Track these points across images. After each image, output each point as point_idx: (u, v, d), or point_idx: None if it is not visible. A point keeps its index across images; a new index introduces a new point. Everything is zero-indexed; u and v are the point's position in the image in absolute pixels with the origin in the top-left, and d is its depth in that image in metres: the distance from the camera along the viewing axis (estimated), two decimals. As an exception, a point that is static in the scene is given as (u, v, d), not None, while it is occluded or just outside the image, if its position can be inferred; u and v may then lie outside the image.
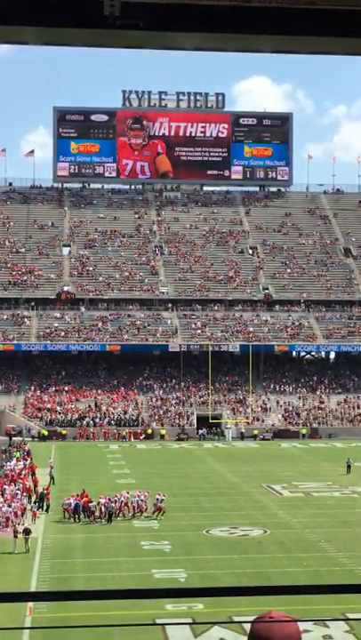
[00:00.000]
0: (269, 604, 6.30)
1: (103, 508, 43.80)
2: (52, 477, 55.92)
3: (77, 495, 46.02)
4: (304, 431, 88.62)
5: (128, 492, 46.09)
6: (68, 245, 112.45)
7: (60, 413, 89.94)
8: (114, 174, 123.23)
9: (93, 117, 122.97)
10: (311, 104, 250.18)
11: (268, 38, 4.11)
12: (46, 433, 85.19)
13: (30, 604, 26.14)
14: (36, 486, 50.10)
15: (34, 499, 47.70)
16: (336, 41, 4.11)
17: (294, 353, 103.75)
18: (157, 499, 44.74)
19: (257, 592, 4.79)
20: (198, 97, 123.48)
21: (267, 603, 7.11)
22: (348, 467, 60.22)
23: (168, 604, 27.55)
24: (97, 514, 43.74)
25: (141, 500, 44.84)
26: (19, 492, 46.82)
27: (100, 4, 3.78)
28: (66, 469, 59.28)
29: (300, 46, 4.26)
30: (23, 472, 56.11)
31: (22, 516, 43.07)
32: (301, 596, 4.26)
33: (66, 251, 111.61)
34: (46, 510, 45.71)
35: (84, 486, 49.63)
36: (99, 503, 44.03)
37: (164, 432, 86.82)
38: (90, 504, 44.16)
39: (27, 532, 37.51)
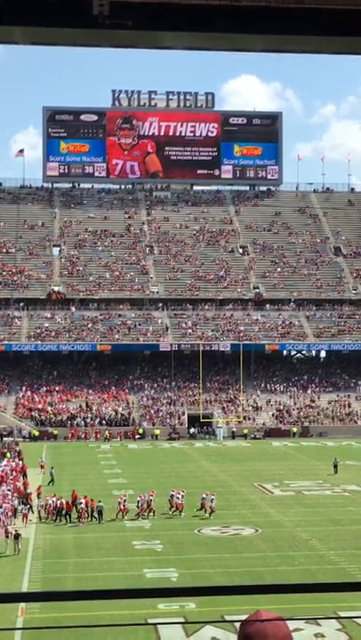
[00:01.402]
0: (261, 603, 6.30)
1: (84, 507, 43.69)
2: (52, 477, 55.85)
3: (55, 494, 46.16)
4: (295, 430, 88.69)
5: (153, 493, 46.25)
6: (59, 245, 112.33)
7: (51, 414, 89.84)
8: (104, 174, 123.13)
9: (83, 117, 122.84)
10: (300, 103, 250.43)
11: (257, 37, 4.11)
12: (37, 433, 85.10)
13: (22, 604, 26.10)
14: (25, 489, 49.93)
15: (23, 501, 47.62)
16: (325, 40, 4.11)
17: (285, 352, 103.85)
18: (174, 496, 45.24)
19: (249, 591, 4.79)
20: (188, 96, 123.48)
21: (259, 602, 7.12)
22: (335, 466, 60.15)
23: (160, 603, 27.55)
24: (83, 515, 43.56)
25: (178, 499, 45.12)
26: (9, 493, 46.72)
27: (89, 3, 3.78)
28: (57, 470, 59.09)
29: (289, 45, 4.26)
30: (14, 473, 56.02)
31: (14, 516, 43.01)
32: (293, 594, 4.24)
33: (56, 251, 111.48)
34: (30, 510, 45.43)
35: (76, 486, 49.62)
36: (80, 503, 43.94)
37: (157, 432, 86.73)
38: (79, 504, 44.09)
39: (16, 536, 37.42)
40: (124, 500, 44.63)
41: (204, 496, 45.52)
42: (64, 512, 43.88)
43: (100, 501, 44.54)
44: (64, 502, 44.41)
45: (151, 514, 44.46)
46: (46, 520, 43.94)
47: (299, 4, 3.92)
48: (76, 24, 3.88)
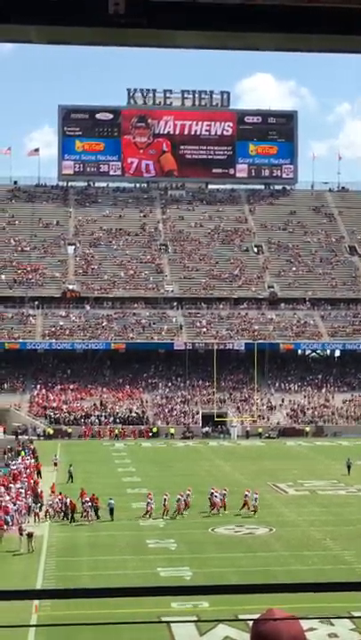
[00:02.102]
0: (275, 602, 6.30)
1: (87, 506, 43.66)
2: (70, 475, 55.91)
3: (61, 493, 46.26)
4: (308, 429, 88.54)
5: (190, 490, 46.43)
6: (73, 244, 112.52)
7: (65, 412, 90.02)
8: (119, 172, 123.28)
9: (98, 116, 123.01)
10: (315, 101, 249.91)
11: (272, 36, 4.11)
12: (52, 431, 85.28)
13: (36, 601, 26.18)
14: (36, 487, 49.92)
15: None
16: (338, 39, 4.11)
17: (300, 351, 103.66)
18: (214, 494, 45.48)
19: (261, 590, 4.78)
20: (203, 95, 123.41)
21: (272, 601, 7.11)
22: (349, 467, 59.95)
23: (174, 602, 27.56)
24: (85, 513, 43.48)
25: (216, 497, 45.27)
26: (22, 491, 46.83)
27: (105, 2, 3.78)
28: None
29: (303, 44, 4.25)
30: (28, 470, 56.16)
31: (28, 514, 43.13)
32: (306, 593, 4.24)
33: (71, 249, 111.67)
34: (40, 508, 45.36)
35: (89, 484, 49.74)
36: (84, 502, 43.90)
37: (173, 431, 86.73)
38: (86, 502, 44.03)
39: (29, 535, 37.49)
40: (187, 496, 45.11)
41: (216, 493, 45.65)
42: (68, 511, 43.71)
43: (110, 499, 44.52)
44: (69, 501, 44.32)
45: (169, 513, 44.33)
46: (52, 519, 43.85)
47: (312, 2, 3.91)
48: (91, 23, 3.88)
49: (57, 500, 45.18)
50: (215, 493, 45.84)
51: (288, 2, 4.00)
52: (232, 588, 4.48)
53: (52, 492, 47.76)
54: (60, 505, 44.55)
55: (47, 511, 44.39)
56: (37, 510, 43.96)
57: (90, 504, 43.76)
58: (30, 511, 43.95)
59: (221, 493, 45.90)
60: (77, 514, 43.64)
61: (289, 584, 4.11)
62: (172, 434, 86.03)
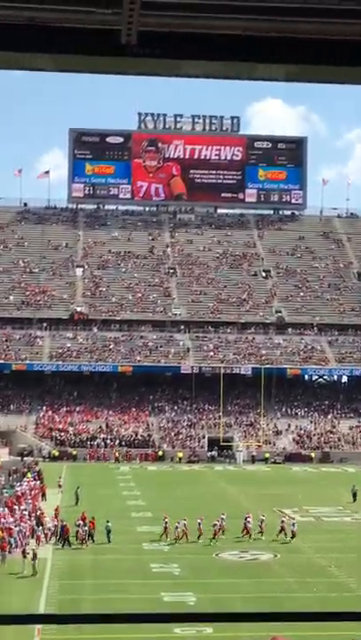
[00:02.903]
0: (279, 630, 6.29)
1: (81, 530, 43.29)
2: (77, 497, 55.66)
3: (56, 517, 45.95)
4: (313, 455, 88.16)
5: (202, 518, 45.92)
6: (82, 266, 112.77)
7: (71, 434, 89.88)
8: (128, 196, 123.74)
9: (109, 139, 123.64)
10: (325, 127, 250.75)
11: (280, 67, 4.16)
12: (57, 453, 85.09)
13: (38, 625, 26.04)
14: (35, 510, 49.50)
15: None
16: (343, 70, 4.16)
17: (306, 376, 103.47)
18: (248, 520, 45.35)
19: (266, 618, 4.78)
20: (213, 120, 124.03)
21: (276, 628, 7.10)
22: (354, 494, 59.61)
23: (177, 627, 27.38)
24: (80, 537, 43.17)
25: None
26: (26, 513, 46.61)
27: (117, 32, 3.84)
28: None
29: (311, 75, 4.31)
30: (33, 492, 55.99)
31: (32, 537, 42.92)
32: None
33: (79, 271, 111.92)
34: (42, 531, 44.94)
35: (94, 507, 49.57)
36: (78, 526, 43.57)
37: (180, 455, 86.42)
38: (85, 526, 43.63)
39: (34, 555, 37.32)
40: (221, 521, 44.71)
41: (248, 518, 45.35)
42: (64, 536, 43.12)
43: (108, 522, 44.29)
44: (63, 525, 43.77)
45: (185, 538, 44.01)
46: (48, 542, 43.33)
47: (320, 34, 3.96)
48: (105, 52, 3.95)
49: (53, 523, 44.89)
50: (248, 518, 45.59)
51: (295, 34, 4.05)
52: (236, 615, 4.48)
53: (56, 515, 47.26)
54: (54, 529, 44.18)
55: (46, 534, 44.04)
56: (39, 533, 43.63)
57: (86, 528, 43.33)
58: (34, 533, 43.71)
59: (219, 518, 45.51)
60: (72, 537, 43.18)
61: (293, 613, 4.12)
62: (179, 458, 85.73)
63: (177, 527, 43.94)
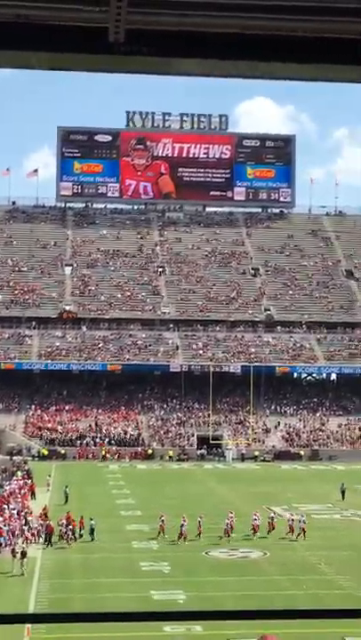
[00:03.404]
0: (268, 627, 6.29)
1: (64, 529, 43.23)
2: (66, 496, 55.57)
3: (41, 516, 45.82)
4: (302, 453, 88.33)
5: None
6: (71, 265, 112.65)
7: (60, 433, 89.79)
8: (117, 194, 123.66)
9: (97, 137, 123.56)
10: (314, 126, 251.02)
11: (269, 65, 4.15)
12: (46, 452, 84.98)
13: (28, 624, 26.00)
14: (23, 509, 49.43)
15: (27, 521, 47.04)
16: (333, 68, 4.16)
17: (295, 374, 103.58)
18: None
19: (256, 617, 4.78)
20: (202, 118, 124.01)
21: (266, 626, 7.11)
22: (343, 492, 59.65)
23: (166, 625, 27.38)
24: (66, 536, 42.92)
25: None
26: (14, 512, 46.50)
27: (105, 30, 3.83)
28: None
29: (300, 73, 4.30)
30: (22, 491, 55.93)
31: (20, 536, 42.81)
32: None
33: (68, 270, 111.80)
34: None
35: (84, 506, 49.54)
36: (61, 525, 43.47)
37: (171, 453, 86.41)
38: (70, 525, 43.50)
39: (23, 554, 37.24)
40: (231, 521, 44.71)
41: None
42: (48, 535, 42.87)
43: (91, 520, 44.22)
44: (47, 525, 43.58)
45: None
46: (34, 541, 43.09)
47: (307, 32, 3.96)
48: (92, 50, 3.93)
49: (39, 522, 44.75)
50: (255, 517, 45.70)
51: (284, 32, 4.04)
52: (225, 614, 4.47)
53: (45, 514, 46.96)
54: (39, 528, 44.04)
55: (33, 534, 43.87)
56: (27, 532, 43.52)
57: (71, 527, 43.21)
58: (23, 533, 43.61)
59: (229, 516, 45.37)
60: (55, 536, 43.06)
61: (283, 610, 4.11)
62: (170, 456, 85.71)
63: (182, 525, 43.81)
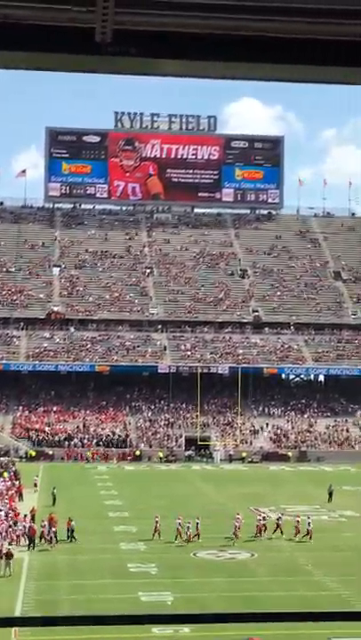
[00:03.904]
0: (255, 629, 6.28)
1: (46, 531, 43.06)
2: (53, 497, 55.41)
3: (25, 518, 45.66)
4: (290, 454, 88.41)
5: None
6: (59, 265, 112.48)
7: (48, 434, 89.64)
8: (105, 195, 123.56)
9: (85, 138, 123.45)
10: (302, 126, 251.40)
11: (257, 66, 4.14)
12: (34, 453, 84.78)
13: (15, 627, 25.94)
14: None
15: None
16: (322, 70, 4.15)
17: (283, 375, 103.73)
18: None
19: (244, 619, 4.78)
20: (190, 119, 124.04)
21: (252, 628, 7.10)
22: (330, 494, 59.71)
23: (154, 627, 27.35)
24: (45, 537, 42.75)
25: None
26: (2, 514, 46.32)
27: (92, 30, 3.81)
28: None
29: (290, 75, 4.29)
30: (10, 492, 55.81)
31: (7, 537, 42.66)
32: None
33: (56, 271, 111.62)
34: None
35: (72, 507, 49.45)
36: (43, 527, 43.36)
37: (161, 454, 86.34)
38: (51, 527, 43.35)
39: (8, 555, 37.10)
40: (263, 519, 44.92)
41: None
42: (30, 537, 42.62)
43: (71, 520, 44.11)
44: (29, 527, 43.38)
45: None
46: (18, 543, 42.89)
47: (298, 34, 3.95)
48: (79, 50, 3.91)
49: (22, 524, 44.60)
50: (261, 517, 46.40)
51: (273, 33, 4.03)
52: (213, 616, 4.46)
53: (32, 516, 46.70)
54: (23, 530, 43.85)
55: (18, 535, 43.66)
56: (13, 534, 43.35)
57: (54, 529, 43.02)
58: (9, 534, 43.48)
59: (236, 518, 45.28)
60: (37, 538, 42.90)
61: (271, 613, 4.11)
62: (160, 457, 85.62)
63: (188, 527, 43.73)
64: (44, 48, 3.90)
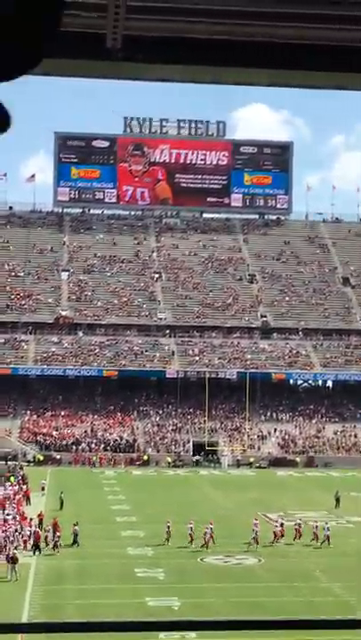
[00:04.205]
0: (260, 636, 6.26)
1: (50, 536, 43.04)
2: (61, 502, 55.42)
3: (31, 522, 45.65)
4: (298, 460, 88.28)
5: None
6: (67, 270, 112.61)
7: (55, 438, 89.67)
8: (114, 200, 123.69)
9: (94, 143, 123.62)
10: (310, 132, 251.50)
11: (264, 72, 4.14)
12: (42, 458, 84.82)
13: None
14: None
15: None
16: (324, 75, 4.15)
17: (291, 381, 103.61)
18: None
19: (251, 627, 4.77)
20: (199, 125, 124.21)
21: (260, 633, 7.08)
22: (337, 500, 59.60)
23: (161, 633, 27.33)
24: (49, 542, 42.71)
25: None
26: (9, 518, 46.37)
27: (102, 36, 3.82)
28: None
29: (296, 80, 4.30)
30: (17, 497, 55.84)
31: (15, 542, 42.66)
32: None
33: (65, 275, 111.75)
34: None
35: (79, 512, 49.45)
36: (47, 531, 43.32)
37: (170, 459, 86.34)
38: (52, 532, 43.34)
39: (13, 559, 37.08)
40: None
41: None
42: (35, 542, 42.57)
43: (75, 525, 44.10)
44: (34, 531, 43.34)
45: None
46: (22, 549, 42.84)
47: (302, 39, 3.96)
48: (89, 56, 3.92)
49: (27, 529, 44.58)
50: (279, 523, 46.46)
51: (281, 39, 4.04)
52: (221, 623, 4.46)
53: (40, 520, 46.63)
54: (28, 534, 43.83)
55: (25, 540, 43.64)
56: (20, 539, 43.35)
57: (58, 534, 43.01)
58: (16, 538, 43.49)
59: (254, 523, 45.28)
60: (42, 543, 42.91)
61: (278, 621, 4.10)
62: (167, 462, 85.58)
63: (206, 532, 43.69)
64: (55, 54, 3.91)
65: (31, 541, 42.80)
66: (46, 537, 42.99)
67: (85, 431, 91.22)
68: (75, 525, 44.03)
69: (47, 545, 42.63)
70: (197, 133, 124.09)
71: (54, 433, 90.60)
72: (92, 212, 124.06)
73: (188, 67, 4.04)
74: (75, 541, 43.45)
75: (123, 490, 66.41)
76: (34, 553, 41.79)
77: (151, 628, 4.04)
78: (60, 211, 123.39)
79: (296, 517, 52.69)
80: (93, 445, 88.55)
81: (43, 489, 62.12)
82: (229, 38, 3.94)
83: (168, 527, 44.22)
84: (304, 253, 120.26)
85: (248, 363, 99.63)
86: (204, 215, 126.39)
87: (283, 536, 45.42)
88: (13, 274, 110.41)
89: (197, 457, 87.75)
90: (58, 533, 42.96)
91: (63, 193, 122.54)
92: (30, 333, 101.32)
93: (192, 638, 27.19)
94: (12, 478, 64.37)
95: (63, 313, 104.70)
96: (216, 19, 3.81)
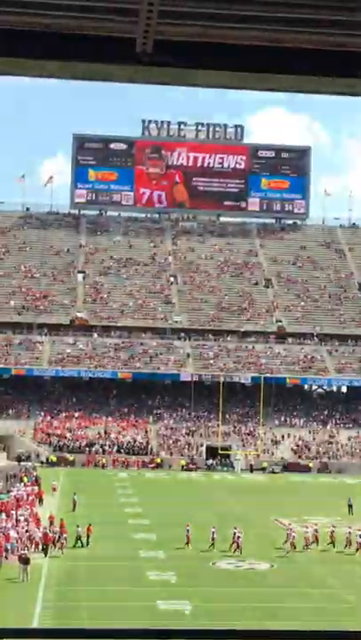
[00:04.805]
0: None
1: (56, 536, 43.05)
2: (74, 503, 55.41)
3: (39, 521, 45.68)
4: (311, 465, 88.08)
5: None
6: (83, 272, 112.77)
7: (69, 439, 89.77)
8: (131, 202, 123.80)
9: (112, 145, 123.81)
10: (328, 136, 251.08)
11: (296, 79, 4.12)
12: (55, 459, 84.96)
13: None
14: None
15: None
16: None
17: (306, 386, 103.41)
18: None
19: (259, 636, 4.73)
20: (217, 128, 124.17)
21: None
22: (350, 506, 59.43)
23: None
24: (59, 544, 42.63)
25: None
26: (21, 518, 46.36)
27: (133, 40, 3.81)
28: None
29: (327, 87, 4.27)
30: (30, 497, 55.87)
31: (27, 543, 42.66)
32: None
33: (80, 277, 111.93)
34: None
35: (92, 514, 49.42)
36: (55, 533, 43.28)
37: (183, 462, 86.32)
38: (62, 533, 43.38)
39: (26, 560, 37.08)
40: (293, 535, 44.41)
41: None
42: (44, 544, 42.53)
43: (78, 527, 44.16)
44: (42, 534, 43.22)
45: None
46: (34, 550, 42.78)
47: (340, 46, 3.93)
48: (119, 60, 3.91)
49: (33, 529, 44.52)
50: (307, 528, 46.49)
51: (311, 45, 4.02)
52: (233, 633, 4.42)
53: (51, 521, 46.66)
54: (39, 536, 43.78)
55: (37, 542, 43.57)
56: (32, 540, 43.35)
57: (65, 535, 43.04)
58: (30, 539, 43.49)
59: (288, 529, 45.35)
60: (50, 544, 42.90)
61: (285, 631, 4.06)
62: (182, 465, 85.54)
63: (235, 534, 43.54)
64: (85, 58, 3.90)
65: (41, 543, 42.83)
66: (54, 538, 43.02)
67: (99, 433, 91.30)
68: (77, 527, 44.11)
69: (55, 546, 42.67)
70: (215, 137, 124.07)
71: (68, 434, 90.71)
72: (108, 214, 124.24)
73: (219, 72, 4.02)
74: (78, 543, 43.44)
75: (135, 492, 66.40)
76: (45, 555, 41.80)
77: (161, 636, 4.01)
78: (77, 212, 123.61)
79: (310, 523, 52.53)
80: (107, 447, 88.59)
81: (54, 490, 62.17)
82: (262, 44, 3.92)
83: (187, 531, 44.14)
84: (320, 258, 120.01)
85: (263, 367, 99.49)
86: (221, 219, 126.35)
87: (315, 542, 45.31)
88: (29, 275, 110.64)
89: (211, 461, 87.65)
90: (65, 535, 43.02)
91: (80, 195, 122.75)
92: (45, 334, 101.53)
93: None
94: (25, 479, 64.42)
95: (79, 315, 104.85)
96: (248, 24, 3.79)
